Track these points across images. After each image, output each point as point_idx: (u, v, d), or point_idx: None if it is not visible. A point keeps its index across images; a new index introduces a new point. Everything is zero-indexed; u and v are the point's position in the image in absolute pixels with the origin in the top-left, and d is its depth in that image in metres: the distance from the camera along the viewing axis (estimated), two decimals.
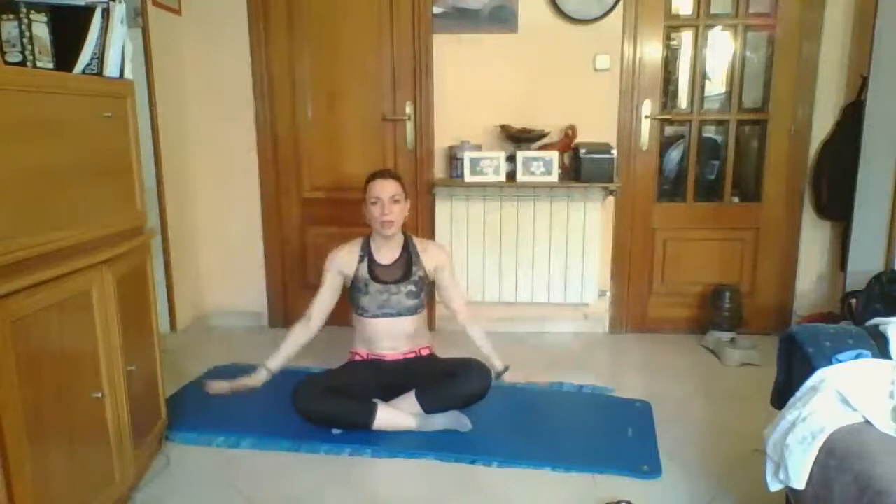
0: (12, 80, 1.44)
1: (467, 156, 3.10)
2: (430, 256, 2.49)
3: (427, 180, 3.31)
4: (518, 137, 3.16)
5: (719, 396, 2.66)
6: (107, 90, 1.80)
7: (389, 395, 2.34)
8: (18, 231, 1.42)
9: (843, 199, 2.91)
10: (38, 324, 1.48)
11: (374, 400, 2.29)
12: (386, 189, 2.36)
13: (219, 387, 2.34)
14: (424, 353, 2.50)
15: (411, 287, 2.42)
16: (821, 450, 1.37)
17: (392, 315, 2.40)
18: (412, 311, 2.43)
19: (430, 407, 2.29)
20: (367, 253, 2.45)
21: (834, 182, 3.11)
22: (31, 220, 1.46)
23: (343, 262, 2.45)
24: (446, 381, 2.31)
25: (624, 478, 2.03)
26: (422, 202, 3.32)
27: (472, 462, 2.13)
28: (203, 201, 3.50)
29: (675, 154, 3.51)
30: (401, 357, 2.45)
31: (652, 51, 3.22)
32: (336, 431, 2.29)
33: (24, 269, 1.41)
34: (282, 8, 3.28)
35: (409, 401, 2.30)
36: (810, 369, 1.55)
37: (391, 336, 2.43)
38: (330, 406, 2.26)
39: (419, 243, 2.52)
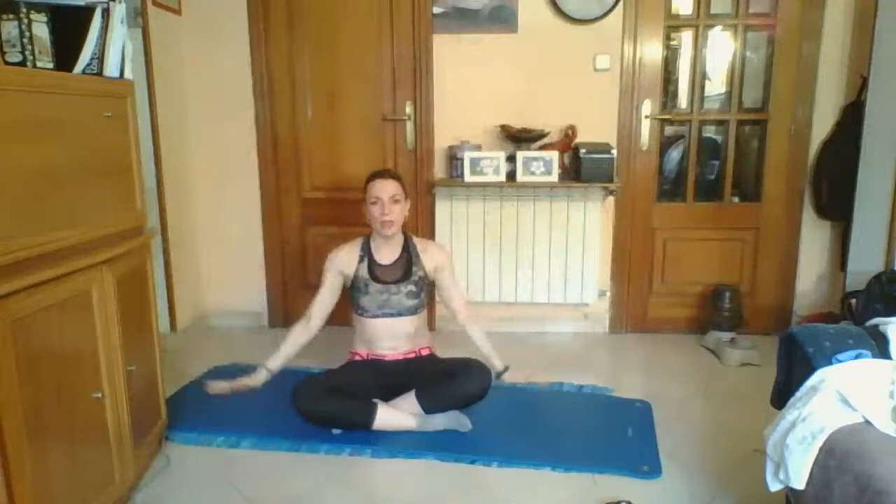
0: (12, 80, 1.44)
1: (467, 156, 3.10)
2: (430, 256, 2.49)
3: (427, 180, 3.31)
4: (518, 137, 3.16)
5: (719, 396, 2.66)
6: (107, 90, 1.80)
7: (389, 395, 2.34)
8: (18, 231, 1.42)
9: (843, 199, 2.91)
10: (38, 324, 1.48)
11: (374, 400, 2.29)
12: (386, 189, 2.36)
13: (219, 387, 2.34)
14: (424, 353, 2.50)
15: (411, 287, 2.42)
16: (821, 450, 1.37)
17: (392, 315, 2.40)
18: (412, 311, 2.43)
19: (430, 407, 2.29)
20: (367, 253, 2.45)
21: (834, 182, 3.11)
22: (31, 220, 1.46)
23: (343, 262, 2.45)
24: (446, 381, 2.31)
25: (624, 478, 2.03)
26: (422, 202, 3.32)
27: (472, 462, 2.13)
28: (203, 201, 3.50)
29: (675, 154, 3.51)
30: (401, 357, 2.44)
31: (652, 51, 3.22)
32: (336, 431, 2.29)
33: (24, 269, 1.41)
34: (282, 8, 3.28)
35: (409, 401, 2.30)
36: (810, 369, 1.55)
37: (391, 336, 2.43)
38: (330, 406, 2.26)
39: (419, 243, 2.52)
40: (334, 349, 2.65)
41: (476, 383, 2.32)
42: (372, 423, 2.25)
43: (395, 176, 2.44)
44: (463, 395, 2.30)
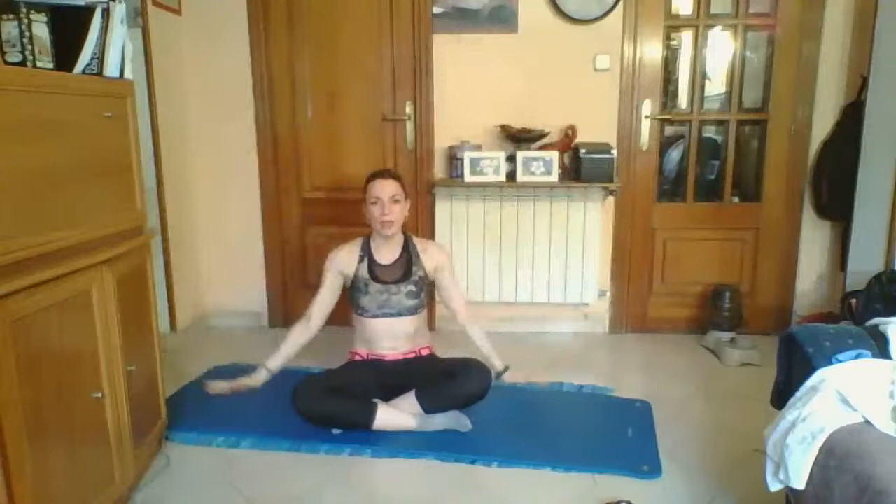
0: (12, 80, 1.44)
1: (467, 156, 3.10)
2: (429, 256, 2.49)
3: (427, 180, 3.31)
4: (518, 137, 3.16)
5: (719, 396, 2.66)
6: (107, 90, 1.80)
7: (389, 395, 2.34)
8: (18, 231, 1.42)
9: (843, 199, 2.91)
10: (38, 324, 1.48)
11: (374, 400, 2.30)
12: (386, 189, 2.36)
13: (219, 387, 2.34)
14: (424, 353, 2.50)
15: (411, 287, 2.42)
16: (821, 450, 1.37)
17: (392, 315, 2.40)
18: (412, 311, 2.43)
19: (429, 407, 2.29)
20: (367, 253, 2.45)
21: (834, 182, 3.11)
22: (31, 220, 1.46)
23: (343, 262, 2.45)
24: (446, 381, 2.31)
25: (624, 478, 2.03)
26: (422, 202, 3.32)
27: (472, 462, 2.13)
28: (203, 201, 3.50)
29: (675, 154, 3.51)
30: (401, 357, 2.44)
31: (652, 51, 3.22)
32: (336, 431, 2.29)
33: (24, 269, 1.41)
34: (282, 8, 3.28)
35: (409, 401, 2.30)
36: (810, 369, 1.55)
37: (391, 336, 2.43)
38: (330, 406, 2.26)
39: (419, 243, 2.52)
40: (334, 349, 2.65)
41: (476, 383, 2.32)
42: (372, 423, 2.25)
43: (395, 176, 2.43)
44: (463, 395, 2.30)
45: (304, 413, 2.26)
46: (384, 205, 2.34)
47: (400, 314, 2.41)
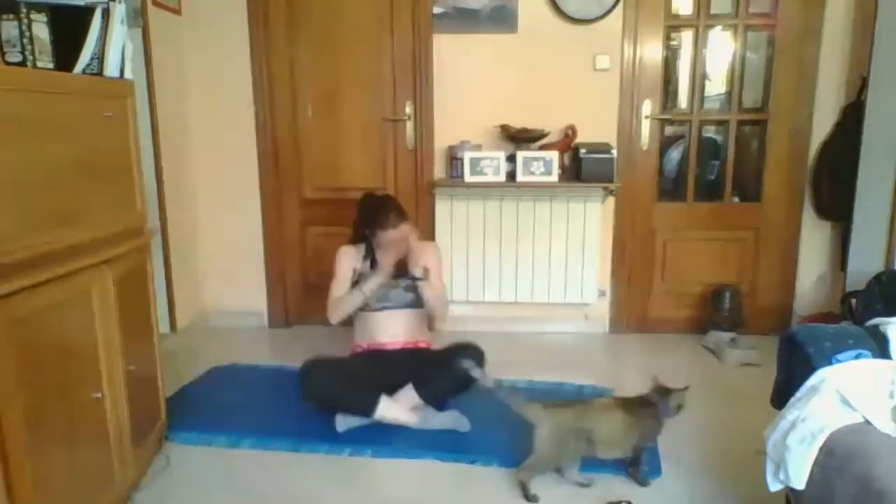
0: (12, 80, 1.44)
1: (467, 156, 3.10)
2: (424, 256, 2.53)
3: (427, 180, 3.31)
4: (518, 137, 3.16)
5: (719, 396, 2.66)
6: (107, 90, 1.80)
7: (392, 392, 2.35)
8: (18, 231, 1.42)
9: (843, 199, 2.91)
10: (39, 324, 1.47)
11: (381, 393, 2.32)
12: (402, 234, 2.42)
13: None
14: (422, 345, 2.54)
15: (409, 282, 2.47)
16: (821, 450, 1.37)
17: (391, 307, 2.47)
18: (411, 305, 2.49)
19: (427, 393, 2.32)
20: (370, 255, 2.51)
21: (834, 182, 3.11)
22: (31, 220, 1.46)
23: (351, 255, 2.53)
24: (441, 363, 2.32)
25: (624, 478, 2.03)
26: (422, 202, 3.32)
27: (472, 462, 2.13)
28: (203, 201, 3.50)
29: (675, 154, 3.51)
30: (399, 346, 2.49)
31: (652, 51, 3.22)
32: (339, 422, 2.29)
33: (24, 269, 1.41)
34: (282, 8, 3.28)
35: (408, 393, 2.32)
36: (810, 369, 1.56)
37: (391, 326, 2.49)
38: (336, 386, 2.29)
39: (416, 243, 2.55)
40: (334, 350, 2.65)
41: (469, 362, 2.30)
42: (374, 410, 2.27)
43: (403, 215, 2.45)
44: (459, 376, 2.26)
45: (312, 390, 2.30)
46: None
47: (398, 307, 2.47)
